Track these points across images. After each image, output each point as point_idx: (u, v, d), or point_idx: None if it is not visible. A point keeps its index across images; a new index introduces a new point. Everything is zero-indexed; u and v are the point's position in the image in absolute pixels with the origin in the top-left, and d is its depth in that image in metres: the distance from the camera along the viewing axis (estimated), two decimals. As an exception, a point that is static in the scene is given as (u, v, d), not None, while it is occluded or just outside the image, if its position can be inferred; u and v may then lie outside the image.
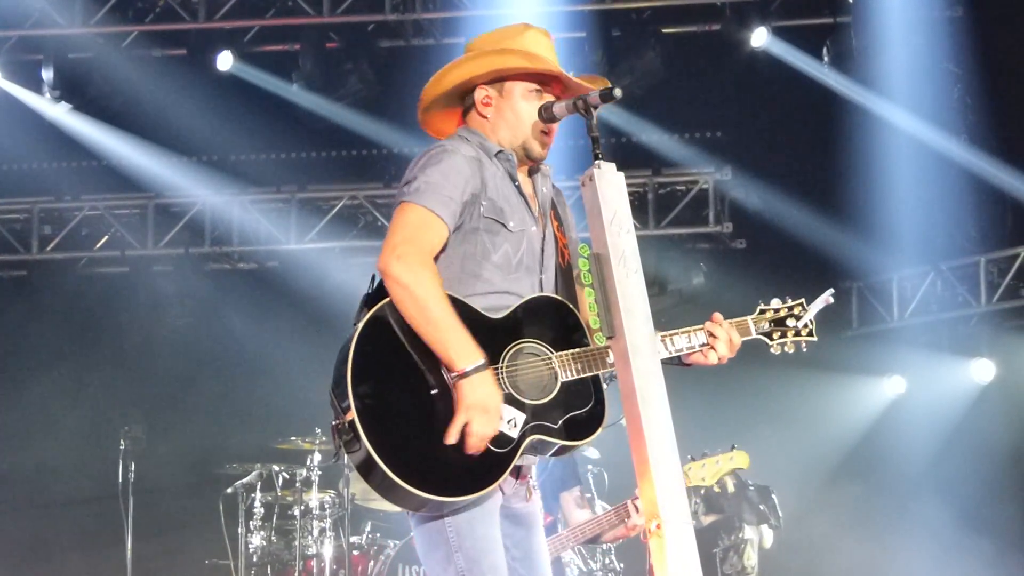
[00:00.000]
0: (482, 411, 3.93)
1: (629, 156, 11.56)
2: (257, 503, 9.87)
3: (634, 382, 3.93)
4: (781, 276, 11.24)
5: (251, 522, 9.87)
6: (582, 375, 4.14)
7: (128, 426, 10.95)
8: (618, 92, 4.10)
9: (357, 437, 3.91)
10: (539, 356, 4.13)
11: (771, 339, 4.48)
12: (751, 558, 9.54)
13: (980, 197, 11.41)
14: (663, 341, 4.26)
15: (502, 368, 4.08)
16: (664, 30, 11.43)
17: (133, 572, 10.64)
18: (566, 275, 4.32)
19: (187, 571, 11.07)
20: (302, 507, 9.71)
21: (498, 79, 4.32)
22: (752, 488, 8.83)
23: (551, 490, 7.69)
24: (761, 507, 8.94)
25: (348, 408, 3.93)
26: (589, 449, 8.46)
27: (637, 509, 6.98)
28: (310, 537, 9.65)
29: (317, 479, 9.68)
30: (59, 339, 12.61)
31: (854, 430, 12.08)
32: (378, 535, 9.75)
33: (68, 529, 12.14)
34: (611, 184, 4.06)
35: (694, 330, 4.33)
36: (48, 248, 12.67)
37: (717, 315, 4.36)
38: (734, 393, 10.94)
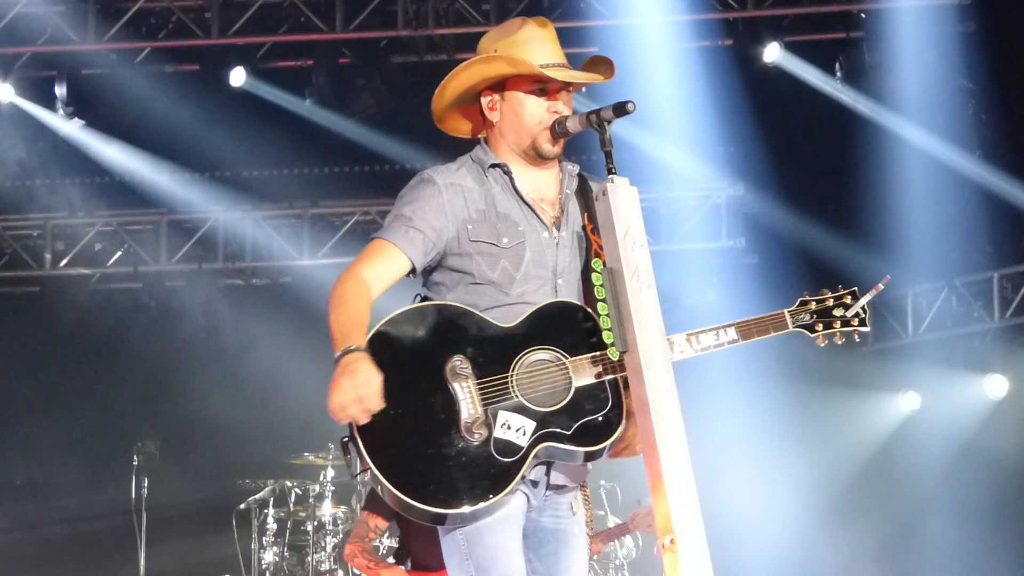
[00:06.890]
0: (345, 386, 3.83)
1: (642, 171, 11.53)
2: (270, 519, 9.86)
3: (648, 396, 3.91)
4: (794, 291, 11.21)
5: (264, 538, 9.86)
6: (598, 379, 4.07)
7: (141, 442, 10.98)
8: (631, 106, 4.06)
9: (359, 452, 3.91)
10: (552, 362, 4.07)
11: (813, 331, 4.38)
12: None
13: (994, 213, 11.39)
14: None
15: (512, 377, 4.02)
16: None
17: (146, 588, 10.66)
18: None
19: (200, 587, 11.08)
20: (315, 523, 9.70)
21: (500, 82, 4.23)
22: None
23: None
24: None
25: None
26: None
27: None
28: (323, 553, 9.63)
29: (330, 495, 9.66)
30: (72, 355, 12.63)
31: (869, 446, 12.04)
32: (391, 551, 9.73)
33: (82, 544, 12.13)
34: (624, 198, 4.04)
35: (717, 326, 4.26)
36: (61, 264, 12.69)
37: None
38: (750, 408, 10.91)
